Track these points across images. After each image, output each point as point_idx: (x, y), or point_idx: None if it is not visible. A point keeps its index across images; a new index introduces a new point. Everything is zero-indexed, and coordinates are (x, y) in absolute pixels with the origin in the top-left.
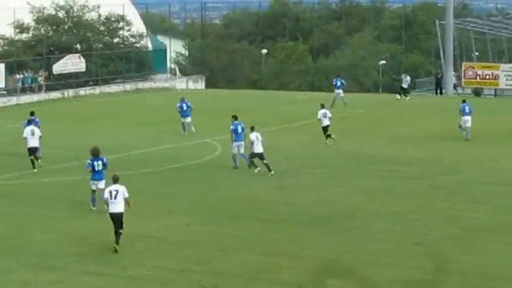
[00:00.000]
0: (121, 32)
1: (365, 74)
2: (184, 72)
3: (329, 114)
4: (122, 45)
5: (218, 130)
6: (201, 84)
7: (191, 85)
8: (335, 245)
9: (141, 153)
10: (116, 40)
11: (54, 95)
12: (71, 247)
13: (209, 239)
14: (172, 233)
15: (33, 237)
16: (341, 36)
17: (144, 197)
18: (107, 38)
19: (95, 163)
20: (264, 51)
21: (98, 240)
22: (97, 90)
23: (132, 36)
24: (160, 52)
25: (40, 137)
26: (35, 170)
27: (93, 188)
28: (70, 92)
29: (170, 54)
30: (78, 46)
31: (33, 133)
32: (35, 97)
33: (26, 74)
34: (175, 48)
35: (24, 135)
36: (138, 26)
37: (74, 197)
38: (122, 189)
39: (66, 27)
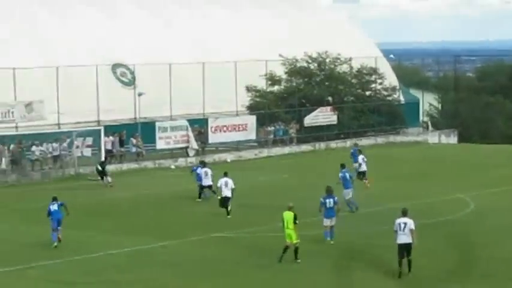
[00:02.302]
0: (373, 84)
1: None
2: (437, 126)
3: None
4: (373, 98)
5: (471, 186)
6: (453, 139)
7: (443, 139)
8: None
9: (392, 207)
10: (367, 93)
11: (305, 147)
12: None
13: None
14: None
15: None
16: None
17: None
18: (358, 90)
19: (327, 201)
20: None
21: None
22: (348, 143)
23: (384, 89)
24: (413, 105)
25: (233, 189)
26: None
27: (326, 224)
28: (321, 145)
29: (422, 108)
30: (330, 98)
31: (226, 184)
32: (286, 149)
33: (277, 126)
34: (427, 101)
35: (218, 185)
36: (391, 79)
37: (327, 251)
38: (409, 222)
39: (318, 79)
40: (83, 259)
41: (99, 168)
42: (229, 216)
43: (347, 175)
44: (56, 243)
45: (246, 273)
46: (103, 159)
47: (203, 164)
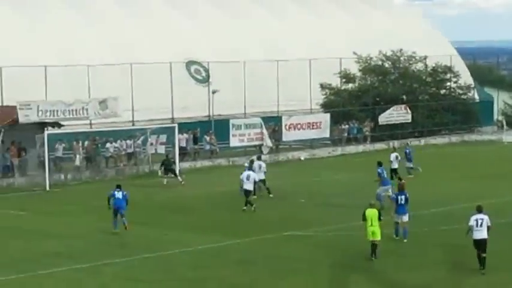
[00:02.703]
0: (448, 83)
1: None
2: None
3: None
4: (448, 97)
5: None
6: None
7: None
8: None
9: (466, 207)
10: (442, 91)
11: (379, 146)
12: None
13: None
14: None
15: None
16: None
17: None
18: (433, 89)
19: (399, 197)
20: None
21: None
22: (422, 141)
23: (459, 87)
24: (488, 104)
25: (255, 182)
26: (245, 208)
27: (397, 220)
28: (395, 143)
29: (497, 107)
30: (404, 97)
31: (248, 178)
32: (360, 147)
33: (352, 124)
34: (502, 100)
35: (240, 177)
36: (465, 77)
37: (400, 250)
38: (486, 218)
39: (392, 77)
40: (156, 256)
41: (168, 167)
42: (244, 208)
43: (385, 172)
44: (117, 230)
45: (321, 272)
46: (169, 157)
47: (258, 158)
